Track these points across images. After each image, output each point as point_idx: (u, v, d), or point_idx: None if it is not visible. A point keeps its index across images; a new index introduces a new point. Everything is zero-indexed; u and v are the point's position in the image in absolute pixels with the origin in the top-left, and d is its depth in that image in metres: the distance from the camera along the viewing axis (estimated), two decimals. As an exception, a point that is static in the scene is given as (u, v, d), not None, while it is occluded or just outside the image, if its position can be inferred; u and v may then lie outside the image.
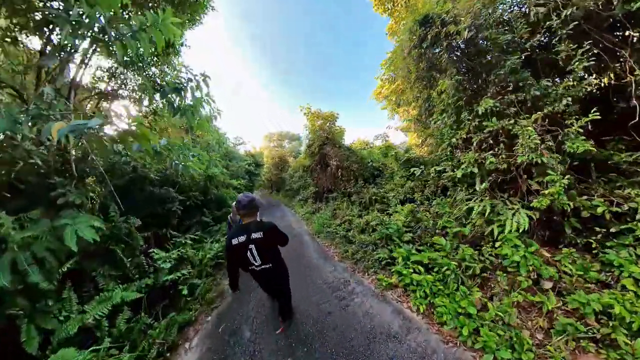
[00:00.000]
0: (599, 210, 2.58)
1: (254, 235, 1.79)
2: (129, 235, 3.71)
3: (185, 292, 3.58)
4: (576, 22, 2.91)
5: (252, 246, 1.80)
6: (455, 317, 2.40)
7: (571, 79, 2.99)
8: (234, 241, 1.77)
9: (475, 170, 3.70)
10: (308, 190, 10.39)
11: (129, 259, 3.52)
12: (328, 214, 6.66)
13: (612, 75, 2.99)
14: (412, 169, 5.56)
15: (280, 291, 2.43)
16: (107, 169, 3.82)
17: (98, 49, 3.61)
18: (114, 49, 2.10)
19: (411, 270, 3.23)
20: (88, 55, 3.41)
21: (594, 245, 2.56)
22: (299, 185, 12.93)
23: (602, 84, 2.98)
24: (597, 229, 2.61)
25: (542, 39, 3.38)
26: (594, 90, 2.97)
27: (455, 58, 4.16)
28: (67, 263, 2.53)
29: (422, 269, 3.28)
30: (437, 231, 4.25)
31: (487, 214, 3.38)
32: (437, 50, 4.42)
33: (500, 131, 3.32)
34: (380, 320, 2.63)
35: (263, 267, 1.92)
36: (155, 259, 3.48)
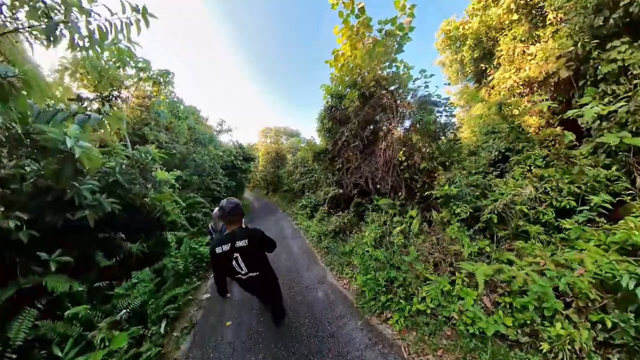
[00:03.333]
0: None
1: (239, 244, 1.64)
2: None
3: None
4: None
5: (237, 255, 1.65)
6: None
7: None
8: (218, 250, 1.64)
9: None
10: (321, 191, 6.50)
11: None
12: (408, 260, 2.71)
13: None
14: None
15: (270, 296, 2.23)
16: None
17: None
18: None
19: None
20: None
21: None
22: (303, 183, 9.00)
23: None
24: None
25: None
26: None
27: None
28: None
29: None
30: None
31: None
32: None
33: None
34: None
35: (250, 275, 1.75)
36: None
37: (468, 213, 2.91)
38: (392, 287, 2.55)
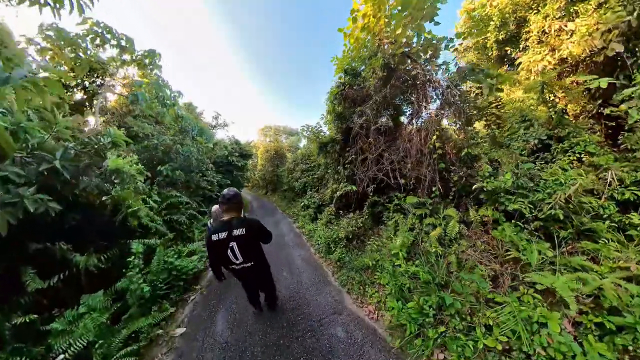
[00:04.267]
0: None
1: (236, 232, 1.63)
2: None
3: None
4: None
5: (233, 244, 1.64)
6: None
7: None
8: (214, 237, 1.62)
9: None
10: (327, 189, 5.74)
11: None
12: (469, 277, 1.93)
13: None
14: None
15: (263, 286, 2.24)
16: None
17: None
18: None
19: None
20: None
21: None
22: (305, 181, 8.24)
23: None
24: None
25: None
26: None
27: None
28: None
29: None
30: None
31: None
32: None
33: None
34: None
35: (244, 265, 1.74)
36: None
37: (528, 209, 2.24)
38: (441, 315, 1.83)
